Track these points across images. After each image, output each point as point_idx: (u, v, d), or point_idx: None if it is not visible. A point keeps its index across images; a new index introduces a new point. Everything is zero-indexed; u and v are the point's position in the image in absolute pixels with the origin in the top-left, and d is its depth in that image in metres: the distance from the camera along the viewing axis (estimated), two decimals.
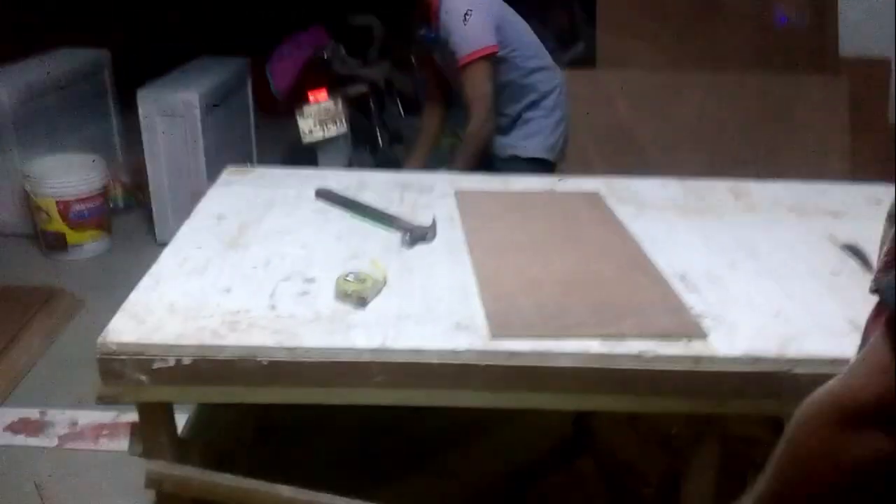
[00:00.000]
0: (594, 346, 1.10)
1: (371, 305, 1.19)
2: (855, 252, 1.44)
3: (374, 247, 1.40)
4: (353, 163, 3.22)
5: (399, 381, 1.10)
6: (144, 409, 1.16)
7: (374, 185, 1.71)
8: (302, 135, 3.06)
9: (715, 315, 1.19)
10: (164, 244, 1.42)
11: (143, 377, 1.09)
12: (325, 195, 1.62)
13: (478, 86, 2.13)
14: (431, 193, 1.67)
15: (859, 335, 1.15)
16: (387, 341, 1.10)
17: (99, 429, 2.17)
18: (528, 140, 2.28)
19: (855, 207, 1.68)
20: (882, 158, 2.96)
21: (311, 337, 1.11)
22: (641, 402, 1.14)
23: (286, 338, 1.11)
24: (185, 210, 1.62)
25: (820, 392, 0.65)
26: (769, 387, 1.10)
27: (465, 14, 2.09)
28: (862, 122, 3.00)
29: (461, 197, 1.63)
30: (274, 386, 1.11)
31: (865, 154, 2.99)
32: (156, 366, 1.09)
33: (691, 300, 1.23)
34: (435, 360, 1.08)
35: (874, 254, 1.33)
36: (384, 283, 1.24)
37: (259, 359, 1.08)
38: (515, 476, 1.98)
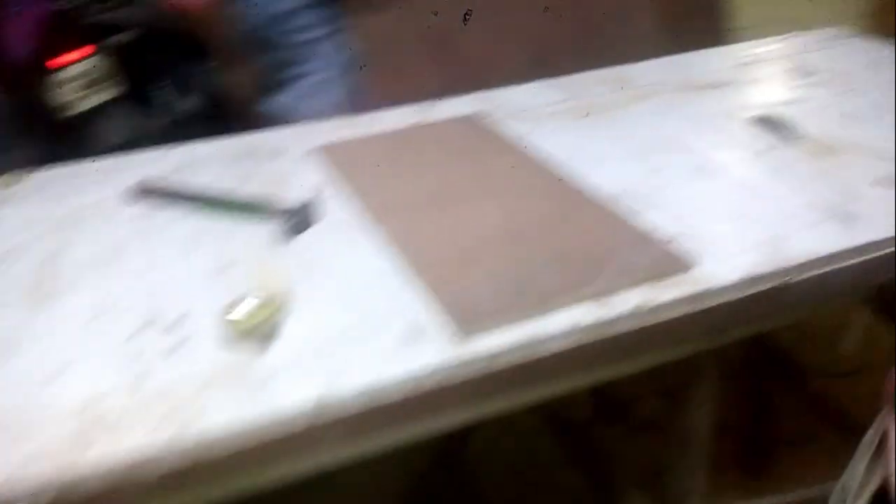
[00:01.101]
0: (583, 313, 0.88)
1: (282, 335, 0.87)
2: (766, 122, 1.34)
3: (245, 249, 1.05)
4: (141, 130, 2.64)
5: (354, 432, 0.81)
6: None
7: (205, 161, 1.31)
8: (65, 109, 2.41)
9: (685, 236, 1.01)
10: None
11: None
12: (145, 192, 1.20)
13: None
14: (285, 156, 1.31)
15: (835, 221, 1.04)
16: (330, 385, 0.79)
17: None
18: (305, 101, 1.77)
19: (728, 74, 1.59)
20: (681, 11, 3.00)
21: (217, 412, 0.77)
22: (642, 361, 0.95)
23: (180, 425, 0.76)
24: None
25: None
26: (770, 303, 0.95)
27: None
28: None
29: (325, 153, 1.30)
30: (179, 493, 0.77)
31: (670, 7, 3.00)
32: None
33: (648, 224, 1.04)
34: (400, 395, 0.80)
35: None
36: (288, 296, 0.91)
37: (151, 470, 0.73)
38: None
